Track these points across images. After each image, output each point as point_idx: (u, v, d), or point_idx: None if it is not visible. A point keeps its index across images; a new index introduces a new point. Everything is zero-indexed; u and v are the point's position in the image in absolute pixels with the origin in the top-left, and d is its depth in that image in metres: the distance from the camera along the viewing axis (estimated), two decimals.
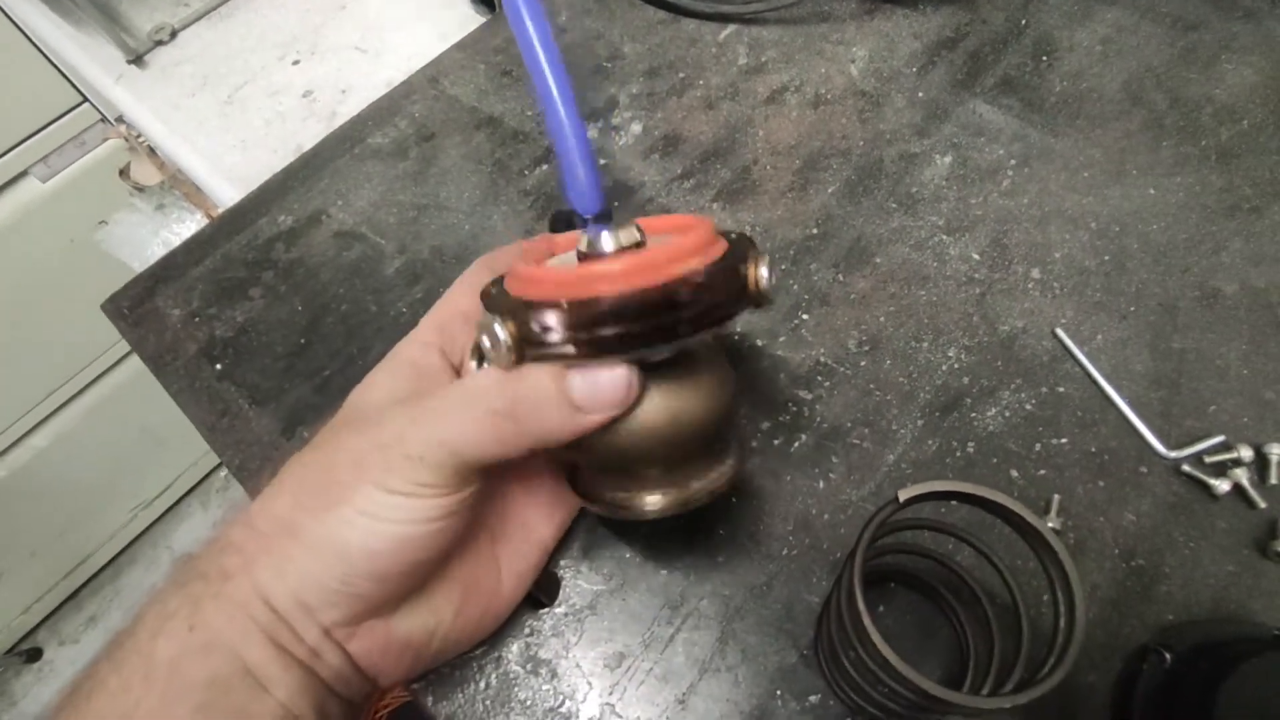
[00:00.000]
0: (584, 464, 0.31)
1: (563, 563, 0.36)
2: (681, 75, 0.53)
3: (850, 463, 0.38)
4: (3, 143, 0.92)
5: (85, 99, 0.93)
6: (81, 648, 1.46)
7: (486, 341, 0.25)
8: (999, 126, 0.49)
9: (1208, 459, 0.37)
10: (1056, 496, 0.36)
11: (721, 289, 0.25)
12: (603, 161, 0.50)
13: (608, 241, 0.26)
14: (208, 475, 1.56)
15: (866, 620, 0.24)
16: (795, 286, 0.43)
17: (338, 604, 0.25)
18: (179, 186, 0.65)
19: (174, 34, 0.61)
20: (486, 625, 0.32)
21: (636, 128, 0.51)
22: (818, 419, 0.39)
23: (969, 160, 0.47)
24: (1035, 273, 0.43)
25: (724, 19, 0.56)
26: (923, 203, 0.46)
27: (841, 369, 0.40)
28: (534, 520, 0.33)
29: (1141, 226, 0.44)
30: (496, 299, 0.27)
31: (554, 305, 0.24)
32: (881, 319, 0.42)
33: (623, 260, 0.24)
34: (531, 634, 0.35)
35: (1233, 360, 0.39)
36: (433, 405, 0.26)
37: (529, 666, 0.34)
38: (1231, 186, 0.45)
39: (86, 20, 0.59)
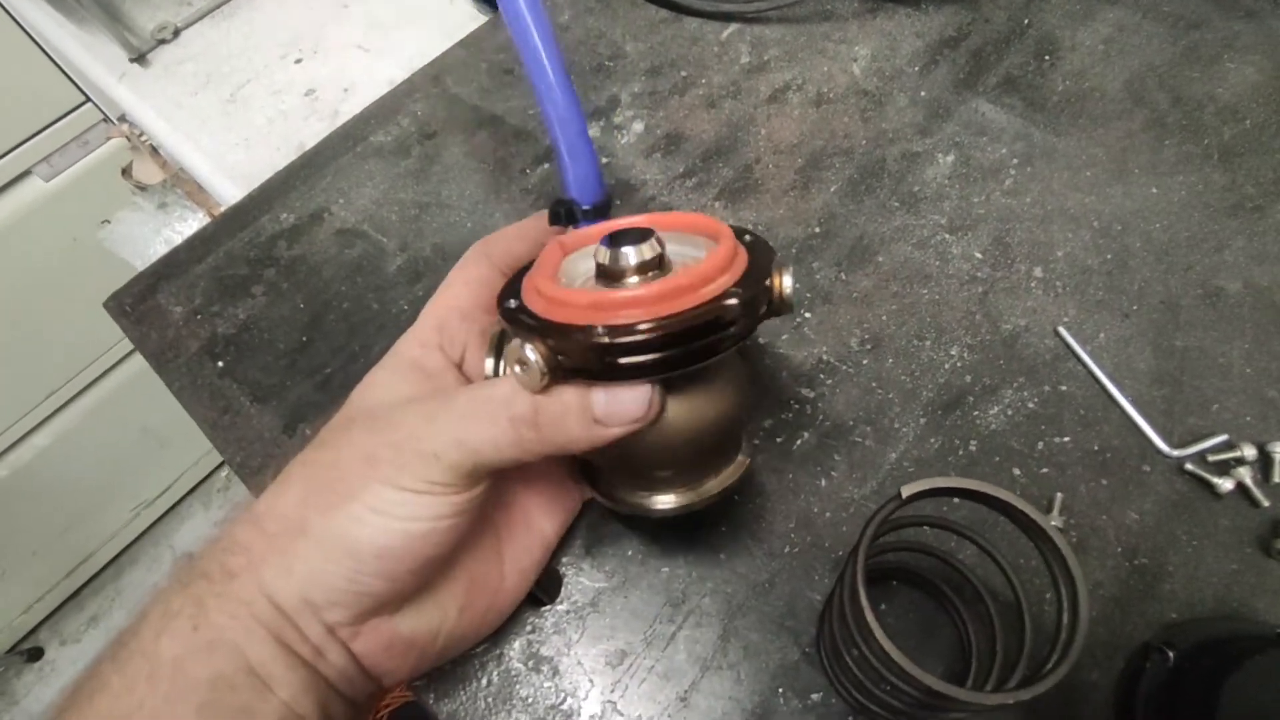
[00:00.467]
0: (599, 463, 0.31)
1: (565, 560, 0.36)
2: (684, 74, 0.53)
3: (852, 461, 0.38)
4: (6, 142, 0.92)
5: (88, 98, 0.93)
6: (83, 647, 1.47)
7: (517, 366, 0.25)
8: (1001, 125, 0.49)
9: (1210, 457, 0.37)
10: (1059, 495, 0.36)
11: (752, 307, 0.25)
12: (605, 160, 0.50)
13: (630, 256, 0.26)
14: (209, 475, 1.57)
15: (870, 616, 0.24)
16: (798, 285, 0.43)
17: (344, 602, 0.25)
18: (181, 185, 0.65)
19: (177, 33, 0.61)
20: (490, 622, 0.31)
21: (639, 126, 0.51)
22: (820, 417, 0.39)
23: (971, 159, 0.47)
24: (1038, 271, 0.43)
25: (726, 18, 0.56)
26: (925, 201, 0.46)
27: (844, 367, 0.40)
28: (537, 517, 0.33)
29: (1144, 225, 0.44)
30: (520, 318, 0.26)
31: (588, 331, 0.24)
32: (884, 317, 0.42)
33: (656, 285, 0.24)
34: (533, 631, 0.35)
35: (1235, 359, 0.39)
36: (451, 406, 0.26)
37: (531, 664, 0.34)
38: (1234, 185, 0.45)
39: (89, 19, 0.59)
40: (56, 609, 1.46)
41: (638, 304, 0.24)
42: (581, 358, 0.24)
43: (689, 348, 0.24)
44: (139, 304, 0.46)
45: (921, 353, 0.41)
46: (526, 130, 0.51)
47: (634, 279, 0.26)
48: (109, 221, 0.68)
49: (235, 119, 0.55)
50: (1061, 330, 0.41)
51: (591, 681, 0.34)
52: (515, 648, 0.34)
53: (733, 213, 0.47)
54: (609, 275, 0.26)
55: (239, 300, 0.46)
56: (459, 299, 0.32)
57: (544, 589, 0.35)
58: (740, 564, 0.36)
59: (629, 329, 0.23)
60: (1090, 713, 0.32)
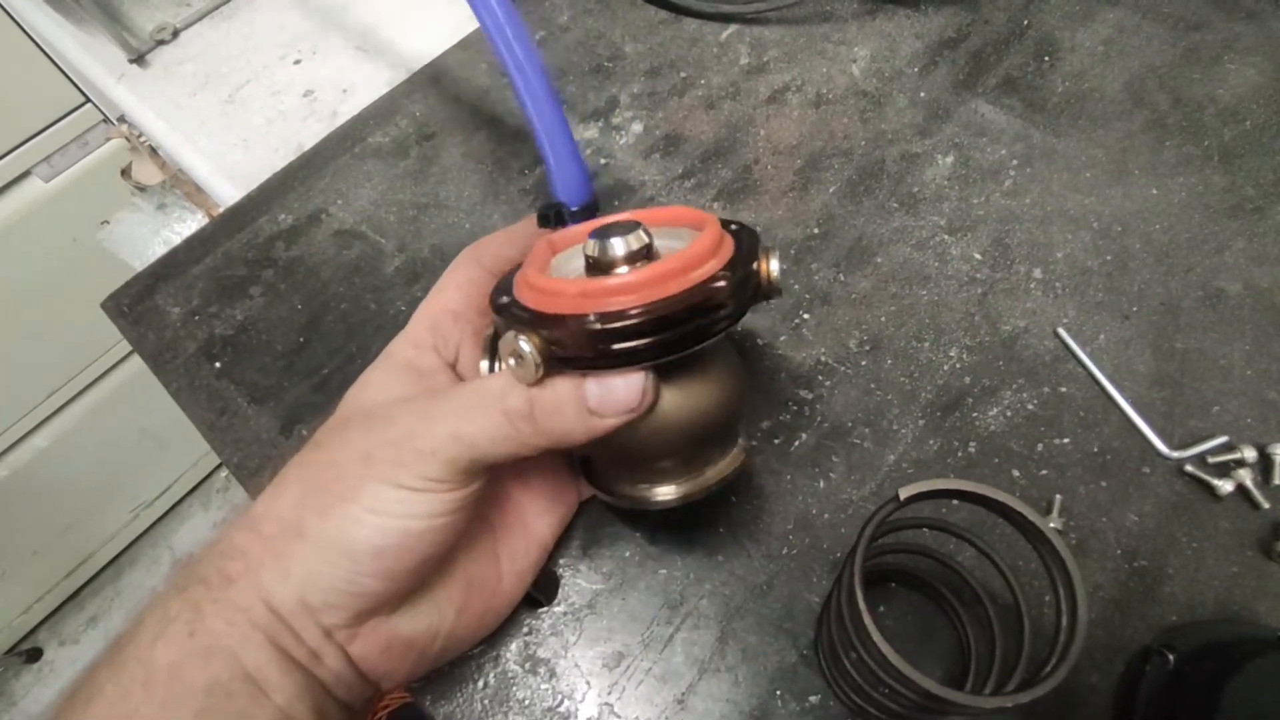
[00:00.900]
0: (596, 458, 0.31)
1: (562, 561, 0.36)
2: (683, 75, 0.53)
3: (851, 462, 0.38)
4: (6, 143, 0.92)
5: (87, 99, 0.93)
6: (82, 648, 1.46)
7: (511, 359, 0.25)
8: (1001, 127, 0.49)
9: (1211, 459, 0.36)
10: (1058, 497, 0.36)
11: (740, 290, 0.25)
12: (603, 161, 0.50)
13: (618, 247, 0.26)
14: (208, 476, 1.56)
15: (868, 619, 0.24)
16: (796, 286, 0.43)
17: (342, 604, 0.25)
18: (180, 186, 0.65)
19: (176, 33, 0.61)
20: (488, 623, 0.31)
21: (638, 127, 0.51)
22: (818, 418, 0.39)
23: (971, 160, 0.47)
24: (1037, 273, 0.43)
25: (725, 19, 0.56)
26: (924, 202, 0.46)
27: (842, 368, 0.40)
28: (533, 517, 0.33)
29: (1144, 226, 0.44)
30: (512, 311, 0.26)
31: (580, 319, 0.24)
32: (883, 318, 0.42)
33: (644, 271, 0.24)
34: (530, 633, 0.34)
35: (1236, 360, 0.39)
36: (447, 402, 0.26)
37: (527, 666, 0.34)
38: (1234, 187, 0.45)
39: (89, 20, 0.59)
40: (56, 610, 1.46)
41: (628, 290, 0.24)
42: (574, 346, 0.24)
43: (680, 331, 0.24)
44: (136, 305, 0.46)
45: (920, 354, 0.41)
46: (525, 131, 0.51)
47: (623, 269, 0.26)
48: (108, 222, 0.68)
49: (234, 120, 0.55)
50: (1061, 332, 0.40)
51: (588, 683, 0.33)
52: (512, 649, 0.34)
53: (731, 213, 0.47)
54: (599, 268, 0.26)
55: (237, 301, 0.45)
56: (451, 301, 0.32)
57: (541, 590, 0.34)
58: (738, 566, 0.35)
59: (620, 314, 0.24)
60: (1089, 716, 0.32)
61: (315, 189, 0.50)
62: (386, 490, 0.25)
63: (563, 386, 0.26)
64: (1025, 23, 0.53)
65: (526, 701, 0.33)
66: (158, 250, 0.62)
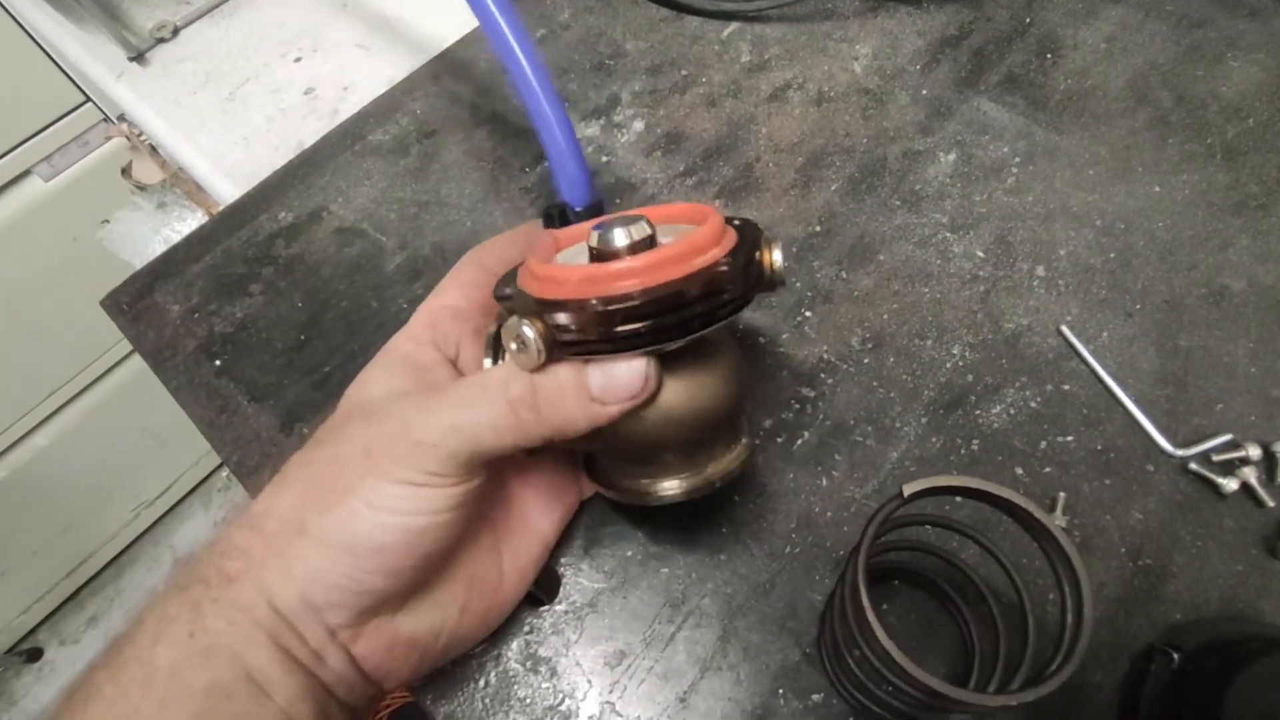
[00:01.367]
0: (600, 452, 0.31)
1: (563, 560, 0.36)
2: (684, 73, 0.53)
3: (853, 460, 0.37)
4: (6, 142, 0.92)
5: (87, 98, 0.93)
6: (82, 648, 1.46)
7: (514, 344, 0.25)
8: (1003, 124, 0.48)
9: (1215, 457, 0.36)
10: (1062, 494, 0.36)
11: (742, 276, 0.25)
12: (605, 159, 0.49)
13: (620, 237, 0.26)
14: (209, 475, 1.56)
15: (871, 616, 0.24)
16: (798, 284, 0.43)
17: (345, 602, 0.25)
18: (180, 185, 0.65)
19: (176, 31, 0.60)
20: (491, 621, 0.31)
21: (639, 125, 0.51)
22: (821, 416, 0.39)
23: (973, 158, 0.47)
24: (1040, 270, 0.43)
25: (727, 16, 0.56)
26: (927, 200, 0.46)
27: (845, 366, 0.40)
28: (535, 515, 0.33)
29: (1147, 224, 0.44)
30: (516, 299, 0.26)
31: (582, 304, 0.24)
32: (885, 316, 0.42)
33: (647, 256, 0.24)
34: (531, 632, 0.34)
35: (1240, 358, 0.39)
36: (447, 395, 0.26)
37: (529, 664, 0.34)
38: (1238, 184, 0.45)
39: (88, 18, 0.59)
40: (56, 609, 1.46)
41: (630, 274, 0.24)
42: (577, 331, 0.25)
43: (682, 315, 0.24)
44: (136, 302, 0.46)
45: (923, 352, 0.40)
46: (526, 129, 0.51)
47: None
48: (108, 221, 0.68)
49: (234, 118, 0.55)
50: (1064, 329, 0.40)
51: (590, 682, 0.33)
52: (513, 648, 0.34)
53: (733, 211, 0.46)
54: (602, 258, 0.26)
55: (237, 299, 0.45)
56: (453, 299, 0.32)
57: (543, 589, 0.34)
58: (740, 564, 0.35)
59: (622, 297, 0.24)
60: (1094, 714, 0.32)
61: (316, 186, 0.50)
62: (388, 486, 0.25)
63: (565, 373, 0.26)
64: (1028, 20, 0.53)
65: (528, 700, 0.33)
66: (158, 249, 0.61)
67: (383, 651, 0.27)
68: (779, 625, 0.34)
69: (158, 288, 0.46)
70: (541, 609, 0.35)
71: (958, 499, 0.35)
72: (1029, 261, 0.43)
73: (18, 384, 1.12)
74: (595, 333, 0.24)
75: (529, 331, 0.25)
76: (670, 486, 0.29)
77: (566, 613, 0.35)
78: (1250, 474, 0.35)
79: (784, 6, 0.55)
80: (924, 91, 0.50)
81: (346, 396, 0.30)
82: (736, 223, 0.29)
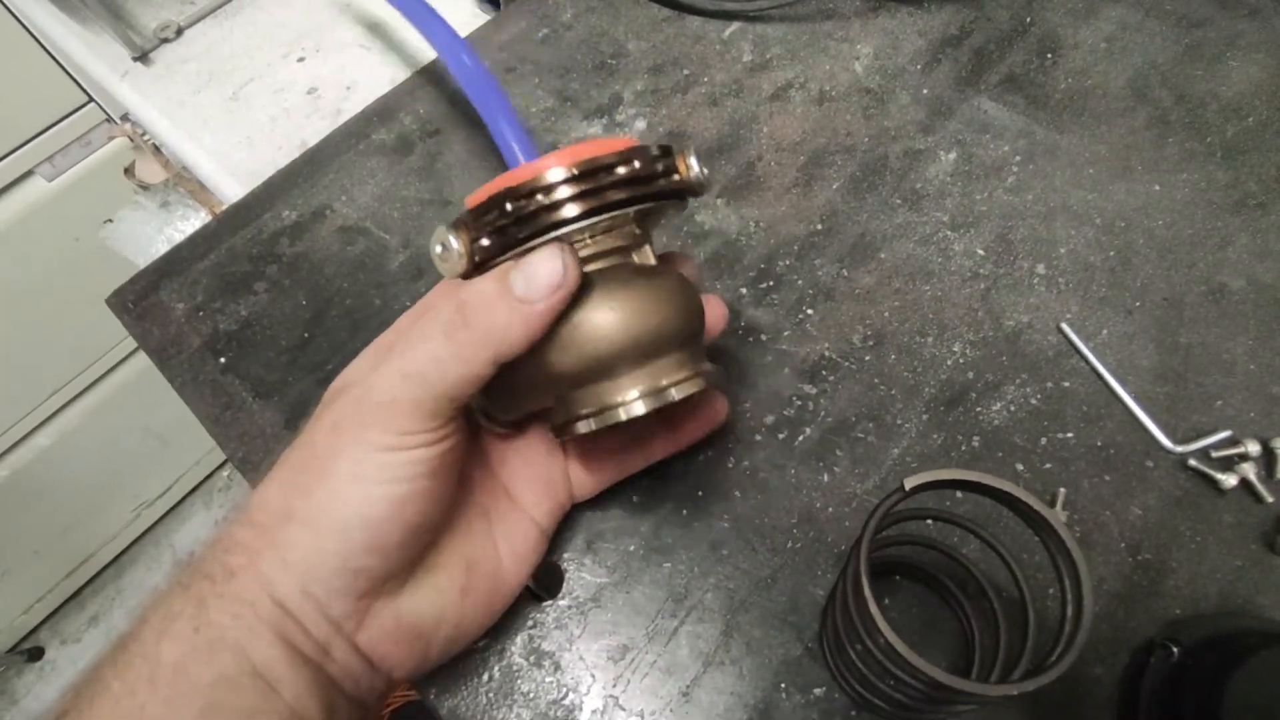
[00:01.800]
0: (557, 394, 0.30)
1: (566, 555, 0.36)
2: (686, 72, 0.53)
3: (855, 456, 0.38)
4: (9, 142, 0.92)
5: (90, 98, 0.93)
6: (83, 647, 1.46)
7: (438, 248, 0.27)
8: (1004, 123, 0.49)
9: (1214, 454, 0.37)
10: (1062, 490, 0.36)
11: (650, 162, 0.27)
12: None
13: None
14: (210, 475, 1.57)
15: (874, 609, 0.24)
16: (800, 281, 0.43)
17: (342, 587, 0.25)
18: (183, 184, 0.65)
19: (180, 31, 0.61)
20: (495, 608, 0.31)
21: (641, 124, 0.51)
22: (822, 413, 0.39)
23: (974, 157, 0.47)
24: (1040, 268, 0.43)
25: (728, 16, 0.56)
26: (927, 199, 0.46)
27: (846, 363, 0.40)
28: (527, 504, 0.33)
29: (1147, 222, 0.44)
30: (456, 219, 0.28)
31: (496, 196, 0.26)
32: (886, 314, 0.42)
33: (555, 154, 0.27)
34: (534, 626, 0.35)
35: (1239, 355, 0.39)
36: (393, 351, 0.27)
37: (532, 659, 0.34)
38: (1237, 182, 0.45)
39: (92, 18, 0.59)
40: (57, 609, 1.46)
41: (543, 165, 0.26)
42: (495, 226, 0.26)
43: (587, 200, 0.26)
44: (141, 300, 0.46)
45: (924, 349, 0.41)
46: (529, 127, 0.51)
47: None
48: (111, 221, 0.68)
49: (238, 117, 0.55)
50: (1064, 327, 0.40)
51: (593, 676, 0.33)
52: (516, 643, 0.34)
53: (735, 210, 0.47)
54: None
55: (241, 297, 0.46)
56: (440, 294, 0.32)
57: (544, 585, 0.35)
58: (742, 559, 0.35)
59: (529, 183, 0.26)
60: (1094, 708, 0.32)
61: (319, 185, 0.50)
62: (359, 452, 0.25)
63: (487, 281, 0.27)
64: (1028, 20, 0.54)
65: (531, 695, 0.33)
66: (161, 248, 0.62)
67: (387, 637, 0.27)
68: (781, 620, 0.34)
69: (163, 286, 0.47)
70: (545, 604, 0.35)
71: (959, 494, 0.36)
72: (1029, 259, 0.43)
73: (19, 384, 1.12)
74: (512, 224, 0.26)
75: (452, 239, 0.27)
76: (623, 399, 0.28)
77: (569, 607, 0.35)
78: (1249, 470, 0.36)
79: (785, 6, 0.55)
80: (925, 91, 0.51)
81: (330, 388, 0.30)
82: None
